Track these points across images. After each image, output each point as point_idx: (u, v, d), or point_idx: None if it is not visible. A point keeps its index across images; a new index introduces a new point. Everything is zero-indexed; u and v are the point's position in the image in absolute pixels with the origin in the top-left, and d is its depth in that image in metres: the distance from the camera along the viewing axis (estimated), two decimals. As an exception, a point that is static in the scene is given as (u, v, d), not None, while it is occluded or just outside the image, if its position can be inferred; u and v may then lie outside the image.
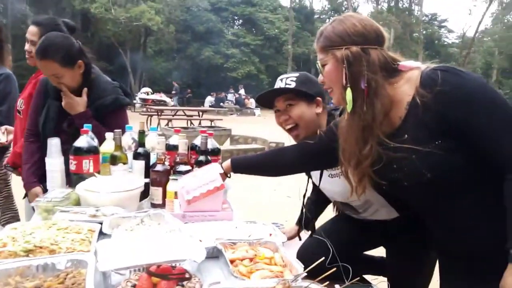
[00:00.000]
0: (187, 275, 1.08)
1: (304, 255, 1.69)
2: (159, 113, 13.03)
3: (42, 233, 1.30)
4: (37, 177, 2.10)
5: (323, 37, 1.27)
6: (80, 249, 1.25)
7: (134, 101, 21.84)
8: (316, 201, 2.01)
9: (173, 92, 24.30)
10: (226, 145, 9.30)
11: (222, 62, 30.01)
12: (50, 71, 1.98)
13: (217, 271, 1.31)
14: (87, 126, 1.98)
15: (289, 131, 1.74)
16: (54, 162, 1.87)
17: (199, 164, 1.96)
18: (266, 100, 1.79)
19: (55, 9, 22.31)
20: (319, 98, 1.72)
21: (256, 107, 23.87)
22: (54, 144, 1.88)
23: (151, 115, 13.67)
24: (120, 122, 2.13)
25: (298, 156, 1.62)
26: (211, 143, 2.06)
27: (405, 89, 1.21)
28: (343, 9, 35.44)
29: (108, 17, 24.64)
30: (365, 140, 1.24)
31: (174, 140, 2.11)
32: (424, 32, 36.44)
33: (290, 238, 1.94)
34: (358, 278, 1.41)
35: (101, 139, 2.02)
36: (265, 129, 14.48)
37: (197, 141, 2.09)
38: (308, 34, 31.53)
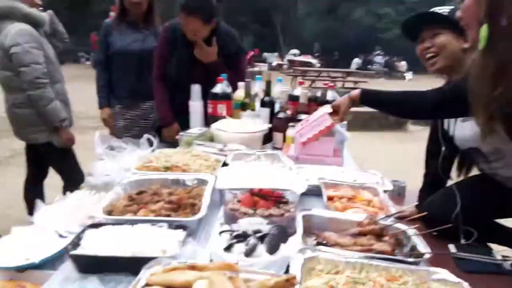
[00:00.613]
0: (284, 200, 1.23)
1: (430, 207, 1.68)
2: (304, 75, 13.26)
3: (179, 156, 1.61)
4: (172, 115, 2.36)
5: None
6: (205, 171, 1.52)
7: (282, 62, 22.61)
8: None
9: (316, 54, 24.17)
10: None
11: (373, 22, 28.31)
12: (192, 26, 2.14)
13: (317, 205, 1.42)
14: (222, 75, 2.25)
15: (427, 60, 1.65)
16: (195, 104, 2.20)
17: (319, 113, 2.06)
18: (414, 28, 1.71)
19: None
20: None
21: (406, 70, 22.13)
22: (196, 90, 2.21)
23: (296, 76, 14.02)
24: (243, 67, 2.39)
25: (438, 100, 1.52)
26: (331, 95, 2.12)
27: None
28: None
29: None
30: (497, 81, 1.16)
31: (297, 91, 2.24)
32: None
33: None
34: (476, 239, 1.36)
35: (234, 86, 2.25)
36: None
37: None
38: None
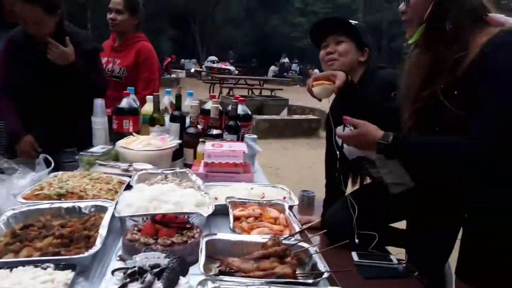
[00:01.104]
0: (187, 225, 1.18)
1: (331, 220, 1.75)
2: (222, 82, 13.31)
3: (75, 181, 1.48)
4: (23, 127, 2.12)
5: None
6: (105, 197, 1.41)
7: (201, 69, 22.50)
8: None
9: (231, 61, 24.47)
10: (283, 114, 9.33)
11: (289, 31, 29.54)
12: (33, 16, 1.92)
13: (226, 226, 1.40)
14: (129, 89, 2.14)
15: (328, 65, 1.79)
16: (98, 120, 2.06)
17: (229, 128, 2.05)
18: (320, 33, 1.82)
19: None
20: (366, 49, 1.79)
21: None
22: (99, 104, 2.06)
23: (214, 83, 14.03)
24: (100, 66, 2.31)
25: None
26: (242, 109, 2.13)
27: (478, 44, 1.14)
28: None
29: (179, -14, 25.23)
30: (428, 82, 1.22)
31: (208, 105, 2.21)
32: None
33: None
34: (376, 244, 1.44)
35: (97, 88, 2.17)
36: (325, 101, 14.25)
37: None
38: (382, 1, 29.71)
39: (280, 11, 29.47)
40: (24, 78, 2.08)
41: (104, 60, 2.64)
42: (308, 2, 31.43)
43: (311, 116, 9.01)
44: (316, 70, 26.00)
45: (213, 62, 22.97)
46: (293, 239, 1.18)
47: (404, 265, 1.70)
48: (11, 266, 0.94)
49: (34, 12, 1.90)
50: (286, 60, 25.13)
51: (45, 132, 2.10)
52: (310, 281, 0.98)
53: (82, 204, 1.32)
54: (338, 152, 1.88)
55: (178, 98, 2.16)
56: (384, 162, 1.69)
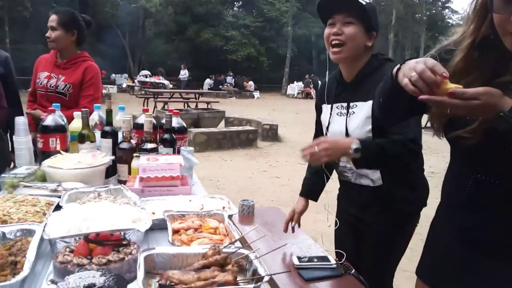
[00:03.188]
0: (124, 242, 1.15)
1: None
2: (156, 96, 13.04)
3: (-3, 205, 1.37)
4: None
5: None
6: (32, 220, 1.32)
7: (133, 84, 21.87)
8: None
9: (184, 76, 23.78)
10: (221, 127, 9.35)
11: (222, 45, 29.82)
12: None
13: (165, 240, 1.38)
14: (55, 106, 2.03)
15: (333, 46, 1.64)
16: (21, 140, 1.93)
17: (164, 142, 2.02)
18: (328, 8, 1.65)
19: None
20: (374, 33, 1.66)
21: (255, 89, 23.79)
22: (21, 123, 1.94)
23: (148, 98, 13.71)
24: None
25: None
26: (177, 121, 2.11)
27: None
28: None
29: (106, -1, 24.44)
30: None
31: (142, 119, 2.16)
32: (427, 13, 35.94)
33: (302, 212, 2.03)
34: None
35: None
36: (262, 112, 14.57)
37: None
38: (309, 16, 31.09)
39: (212, 25, 29.68)
40: None
41: (45, 74, 2.71)
42: (240, 16, 32.05)
43: (248, 127, 9.13)
44: (251, 83, 26.22)
45: (146, 76, 22.44)
46: (233, 247, 1.19)
47: (341, 264, 1.78)
48: None
49: None
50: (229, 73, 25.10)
51: None
52: (251, 286, 0.99)
53: (6, 229, 1.23)
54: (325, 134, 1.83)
55: (109, 113, 2.09)
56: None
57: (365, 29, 1.62)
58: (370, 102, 1.58)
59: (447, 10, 39.86)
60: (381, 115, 1.32)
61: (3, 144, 2.34)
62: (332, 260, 1.82)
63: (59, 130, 1.97)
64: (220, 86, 23.71)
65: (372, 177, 1.68)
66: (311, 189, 2.02)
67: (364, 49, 1.66)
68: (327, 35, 1.65)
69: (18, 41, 20.33)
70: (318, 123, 1.94)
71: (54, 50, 2.77)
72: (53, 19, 2.64)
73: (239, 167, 6.78)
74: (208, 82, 24.27)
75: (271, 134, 9.30)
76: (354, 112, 1.68)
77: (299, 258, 1.81)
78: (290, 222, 2.02)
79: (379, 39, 1.77)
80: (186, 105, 12.76)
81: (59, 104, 2.07)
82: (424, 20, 34.46)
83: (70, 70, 2.70)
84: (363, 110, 1.64)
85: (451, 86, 0.94)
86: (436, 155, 6.72)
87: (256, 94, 23.22)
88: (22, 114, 2.49)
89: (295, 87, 25.40)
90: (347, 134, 1.68)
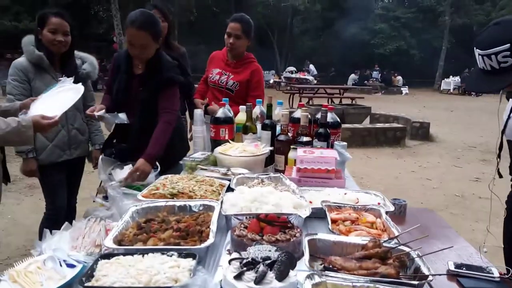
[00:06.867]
0: (289, 225, 1.26)
1: None
2: (301, 91, 13.37)
3: (184, 183, 1.65)
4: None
5: None
6: (211, 197, 1.55)
7: (280, 80, 22.81)
8: None
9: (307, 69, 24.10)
10: (365, 123, 9.10)
11: (369, 38, 28.76)
12: (141, 41, 2.04)
13: (322, 228, 1.45)
14: (224, 100, 2.31)
15: None
16: (198, 129, 2.25)
17: (318, 136, 2.11)
18: None
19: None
20: None
21: (403, 85, 22.37)
22: (199, 114, 2.26)
23: (293, 93, 14.15)
24: (171, 97, 2.17)
25: None
26: (331, 117, 2.17)
27: None
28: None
29: (258, 0, 25.94)
30: None
31: (298, 113, 2.29)
32: None
33: None
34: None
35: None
36: (411, 108, 13.62)
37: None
38: (472, 2, 27.57)
39: (360, 19, 28.83)
40: (117, 91, 2.23)
41: (217, 70, 2.90)
42: (390, 8, 30.40)
43: (395, 125, 8.67)
44: (399, 77, 24.60)
45: (291, 72, 23.16)
46: (393, 242, 1.19)
47: (509, 279, 1.59)
48: (143, 252, 1.09)
49: (144, 38, 2.04)
50: (312, 68, 24.00)
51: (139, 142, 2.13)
52: (415, 282, 0.99)
53: (192, 203, 1.47)
54: None
55: (269, 107, 2.27)
56: None
57: None
58: None
59: None
60: None
61: (183, 130, 2.63)
62: (496, 273, 1.64)
63: (228, 121, 2.23)
64: (366, 82, 22.95)
65: None
66: None
67: None
68: None
69: (184, 42, 23.20)
70: None
71: (226, 49, 2.91)
72: (237, 27, 2.72)
73: (385, 165, 6.51)
74: (352, 77, 23.74)
75: (422, 132, 8.65)
76: None
77: (455, 264, 1.68)
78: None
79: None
80: (330, 100, 12.77)
81: (227, 98, 2.33)
82: None
83: (239, 70, 2.86)
84: None
85: None
86: None
87: (404, 89, 21.80)
88: (193, 105, 2.84)
89: (450, 82, 22.97)
90: None
